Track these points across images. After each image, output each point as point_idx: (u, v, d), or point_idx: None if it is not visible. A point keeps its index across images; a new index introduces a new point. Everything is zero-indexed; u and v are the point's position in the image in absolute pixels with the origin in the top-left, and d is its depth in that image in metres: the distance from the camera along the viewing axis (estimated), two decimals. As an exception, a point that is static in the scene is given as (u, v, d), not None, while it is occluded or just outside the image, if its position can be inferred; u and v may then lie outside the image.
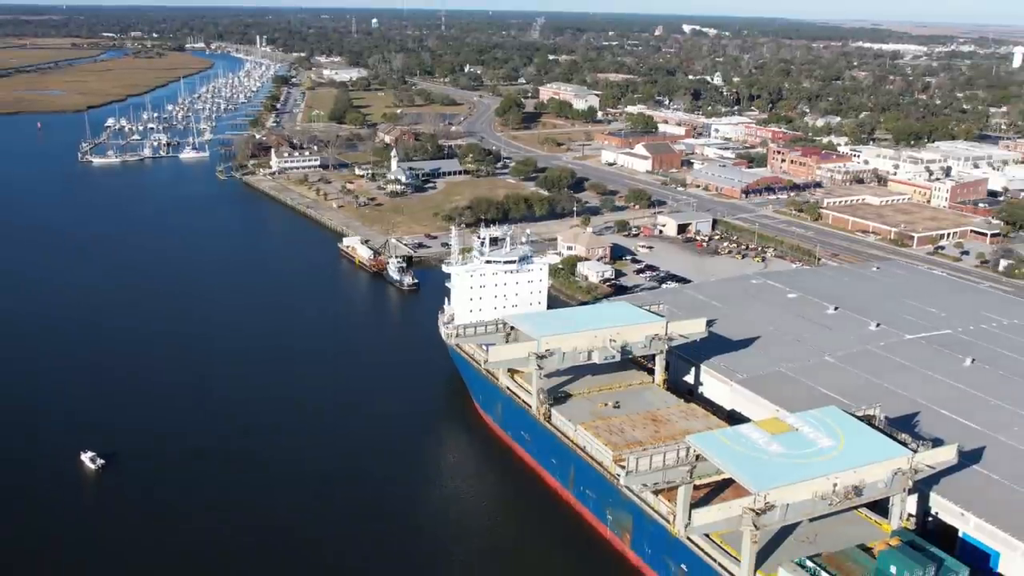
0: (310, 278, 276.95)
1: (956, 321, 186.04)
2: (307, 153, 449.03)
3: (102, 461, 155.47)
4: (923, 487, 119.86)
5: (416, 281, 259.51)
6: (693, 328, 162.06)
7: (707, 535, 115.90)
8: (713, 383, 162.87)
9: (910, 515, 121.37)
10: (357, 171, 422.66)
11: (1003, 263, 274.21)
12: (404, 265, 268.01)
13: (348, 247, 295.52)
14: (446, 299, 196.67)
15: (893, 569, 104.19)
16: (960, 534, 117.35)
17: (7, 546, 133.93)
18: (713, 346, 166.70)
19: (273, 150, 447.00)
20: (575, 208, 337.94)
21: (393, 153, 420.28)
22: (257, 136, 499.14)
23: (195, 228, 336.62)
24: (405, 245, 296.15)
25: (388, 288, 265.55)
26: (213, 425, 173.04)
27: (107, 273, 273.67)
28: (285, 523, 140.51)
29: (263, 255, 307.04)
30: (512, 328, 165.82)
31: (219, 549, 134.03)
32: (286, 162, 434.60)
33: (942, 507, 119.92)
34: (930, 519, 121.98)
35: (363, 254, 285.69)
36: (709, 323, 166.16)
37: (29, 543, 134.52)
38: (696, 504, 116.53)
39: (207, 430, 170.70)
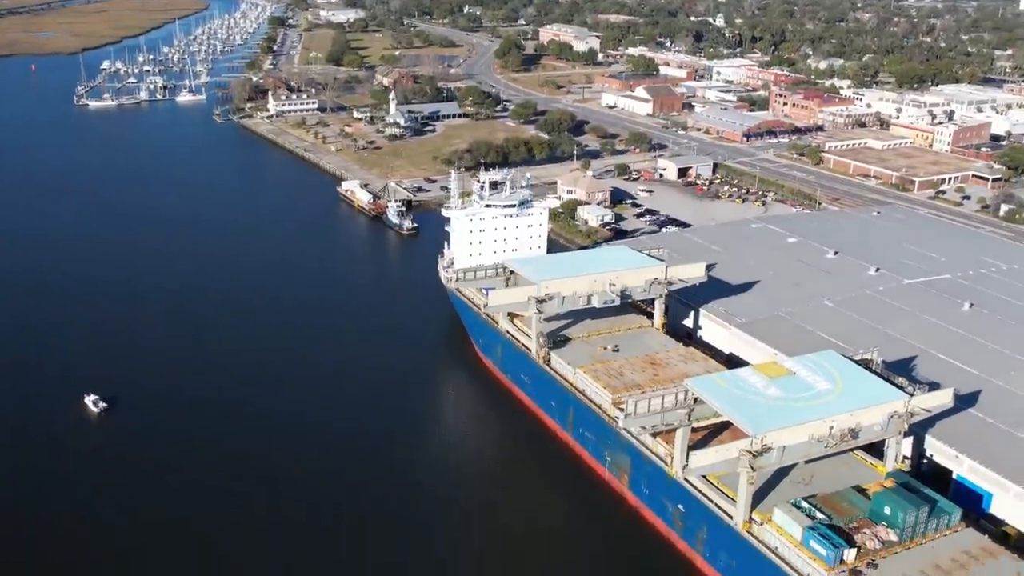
0: (309, 222, 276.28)
1: (955, 266, 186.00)
2: (304, 96, 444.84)
3: (104, 404, 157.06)
4: (919, 430, 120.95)
5: (415, 225, 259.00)
6: (692, 272, 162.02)
7: (704, 476, 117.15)
8: (712, 327, 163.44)
9: (905, 457, 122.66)
10: (355, 114, 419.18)
11: (1004, 208, 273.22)
12: (403, 209, 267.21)
13: (347, 191, 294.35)
14: (446, 243, 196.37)
15: (887, 510, 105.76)
16: (954, 476, 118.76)
17: (13, 481, 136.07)
18: (712, 290, 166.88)
19: (270, 93, 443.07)
20: (575, 152, 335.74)
21: (392, 96, 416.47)
22: (254, 79, 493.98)
23: (193, 172, 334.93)
24: (404, 189, 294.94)
25: (387, 232, 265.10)
26: (213, 372, 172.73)
27: (106, 219, 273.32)
28: (282, 467, 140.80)
29: (262, 200, 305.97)
30: (512, 272, 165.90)
31: (217, 497, 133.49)
32: (283, 105, 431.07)
33: (937, 450, 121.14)
34: (925, 461, 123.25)
35: (362, 198, 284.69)
36: (708, 267, 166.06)
37: (34, 479, 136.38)
38: (694, 446, 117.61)
39: (207, 378, 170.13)
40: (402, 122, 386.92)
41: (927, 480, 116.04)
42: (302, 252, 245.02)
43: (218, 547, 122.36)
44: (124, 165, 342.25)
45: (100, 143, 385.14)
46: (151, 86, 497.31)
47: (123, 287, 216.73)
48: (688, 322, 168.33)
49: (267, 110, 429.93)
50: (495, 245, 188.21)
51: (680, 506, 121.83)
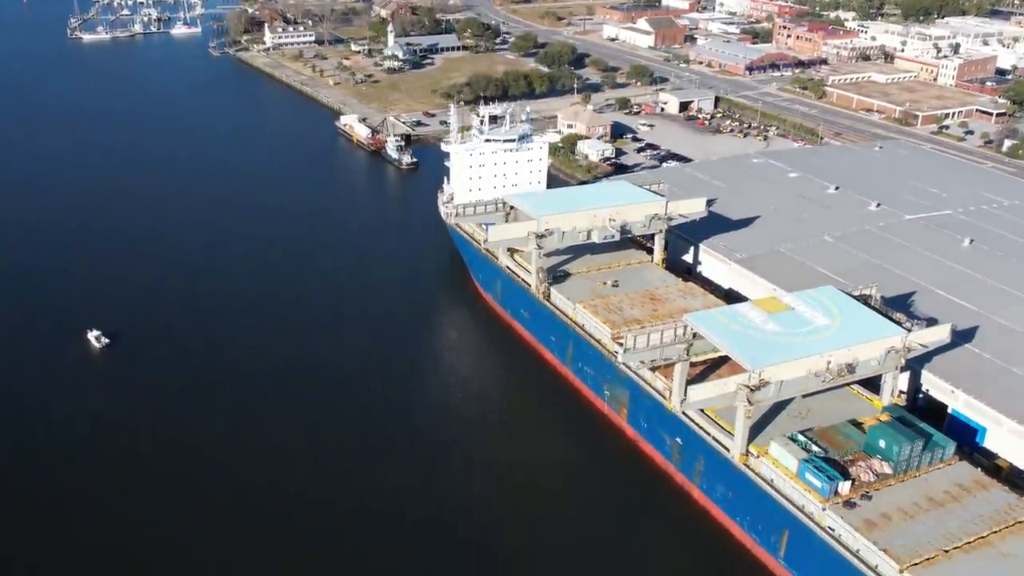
0: (308, 158, 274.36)
1: (956, 202, 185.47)
2: (301, 28, 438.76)
3: (107, 340, 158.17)
4: (915, 365, 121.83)
5: (415, 160, 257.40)
6: (693, 207, 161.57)
7: (702, 410, 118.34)
8: (712, 262, 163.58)
9: (901, 392, 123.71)
10: (353, 47, 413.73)
11: (1007, 143, 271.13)
12: (402, 143, 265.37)
13: (346, 125, 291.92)
14: (445, 178, 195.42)
15: (882, 443, 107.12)
16: (949, 410, 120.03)
17: (18, 411, 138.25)
18: (712, 225, 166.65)
19: (267, 25, 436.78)
20: (576, 85, 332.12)
21: (390, 28, 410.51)
22: (250, 10, 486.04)
23: (188, 107, 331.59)
24: (403, 123, 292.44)
25: (387, 167, 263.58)
26: (212, 313, 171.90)
27: (101, 158, 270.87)
28: (279, 409, 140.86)
29: (259, 134, 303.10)
30: (511, 207, 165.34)
31: (213, 443, 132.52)
32: (280, 38, 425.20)
33: (933, 384, 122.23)
34: (921, 396, 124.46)
35: (361, 132, 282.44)
36: (709, 202, 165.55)
37: (36, 409, 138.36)
38: (692, 380, 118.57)
39: (206, 318, 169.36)
40: (400, 55, 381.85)
41: (923, 414, 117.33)
42: (301, 188, 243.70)
43: (212, 493, 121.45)
44: (119, 101, 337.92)
45: (94, 78, 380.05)
46: (145, 18, 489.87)
47: (120, 229, 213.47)
48: (688, 257, 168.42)
49: (263, 43, 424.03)
50: (495, 180, 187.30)
51: (678, 439, 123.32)
